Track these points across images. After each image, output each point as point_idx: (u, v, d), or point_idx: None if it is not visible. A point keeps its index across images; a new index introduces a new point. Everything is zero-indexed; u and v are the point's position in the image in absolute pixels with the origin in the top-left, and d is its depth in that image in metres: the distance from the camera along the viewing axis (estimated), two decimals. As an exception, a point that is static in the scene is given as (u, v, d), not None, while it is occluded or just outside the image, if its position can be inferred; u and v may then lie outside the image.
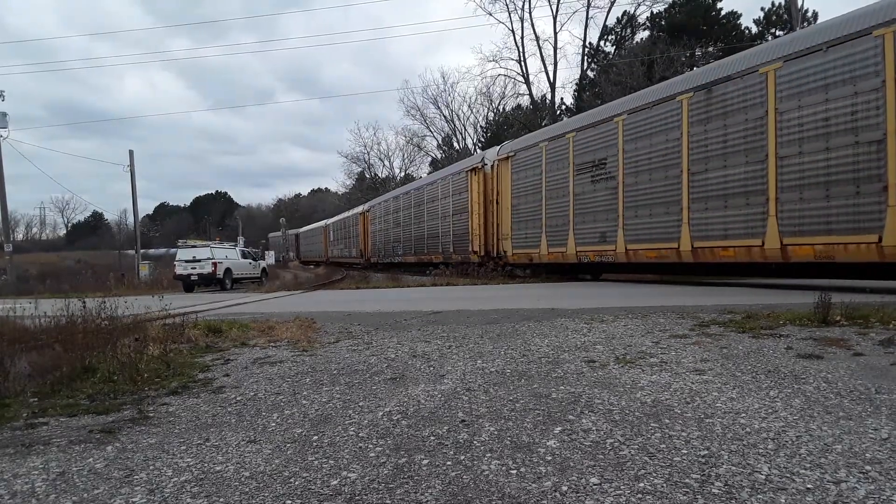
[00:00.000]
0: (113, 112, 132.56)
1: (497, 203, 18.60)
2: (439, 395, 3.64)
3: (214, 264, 21.36)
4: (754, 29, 30.51)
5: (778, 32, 28.57)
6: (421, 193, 25.44)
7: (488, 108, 44.72)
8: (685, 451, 2.54)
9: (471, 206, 19.89)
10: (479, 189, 19.55)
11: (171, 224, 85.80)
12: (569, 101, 37.32)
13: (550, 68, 36.23)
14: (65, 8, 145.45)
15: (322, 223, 52.54)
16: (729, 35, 30.43)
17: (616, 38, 35.66)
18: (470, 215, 19.93)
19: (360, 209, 37.76)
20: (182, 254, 21.97)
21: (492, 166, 19.05)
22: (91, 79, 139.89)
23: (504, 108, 43.58)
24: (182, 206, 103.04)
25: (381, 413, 3.32)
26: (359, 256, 36.54)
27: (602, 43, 35.85)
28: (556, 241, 15.52)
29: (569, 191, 14.85)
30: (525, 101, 41.15)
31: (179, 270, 21.57)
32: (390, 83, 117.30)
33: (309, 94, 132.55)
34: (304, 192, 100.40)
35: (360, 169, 58.44)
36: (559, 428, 2.92)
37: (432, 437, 2.86)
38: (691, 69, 23.93)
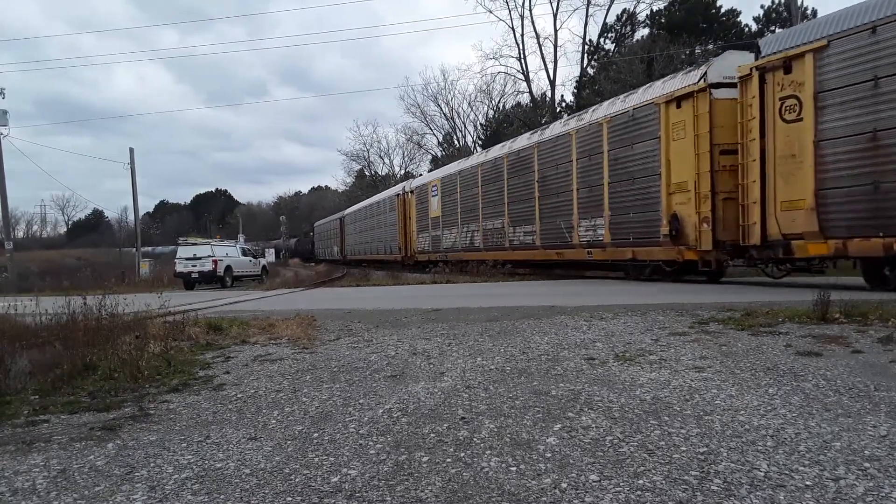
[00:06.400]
0: (102, 106, 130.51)
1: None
2: (439, 393, 3.64)
3: (215, 262, 21.36)
4: (754, 27, 30.47)
5: (778, 30, 28.52)
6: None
7: (488, 106, 44.74)
8: (684, 449, 2.54)
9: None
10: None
11: (172, 222, 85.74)
12: (569, 98, 37.32)
13: (550, 66, 36.14)
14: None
15: (391, 191, 28.98)
16: (728, 33, 30.38)
17: (616, 35, 35.59)
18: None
19: (582, 121, 13.84)
20: (182, 251, 21.97)
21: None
22: (78, 72, 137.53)
23: (504, 106, 43.59)
24: (182, 203, 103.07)
25: (381, 410, 3.33)
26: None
27: (602, 40, 35.79)
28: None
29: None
30: (525, 98, 41.11)
31: (180, 268, 21.57)
32: (387, 76, 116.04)
33: (302, 86, 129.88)
34: (303, 189, 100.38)
35: (359, 166, 58.50)
36: (559, 425, 2.93)
37: (432, 435, 2.87)
38: (690, 66, 23.82)
